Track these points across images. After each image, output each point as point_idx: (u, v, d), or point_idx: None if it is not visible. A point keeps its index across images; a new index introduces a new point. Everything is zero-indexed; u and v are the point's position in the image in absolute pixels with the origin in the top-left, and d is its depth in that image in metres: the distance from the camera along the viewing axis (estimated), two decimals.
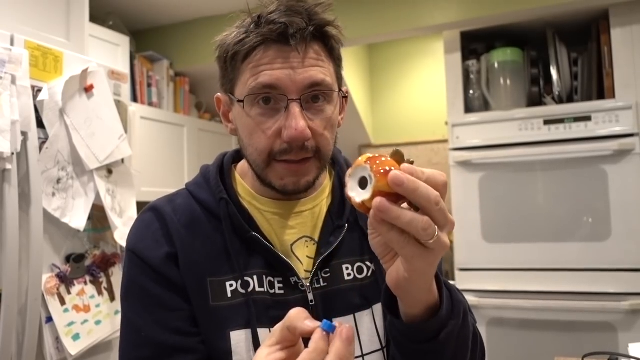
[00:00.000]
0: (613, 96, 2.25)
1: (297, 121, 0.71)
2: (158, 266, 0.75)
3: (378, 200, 0.52)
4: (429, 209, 0.52)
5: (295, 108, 0.72)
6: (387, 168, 0.52)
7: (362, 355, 0.78)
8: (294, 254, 0.80)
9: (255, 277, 0.76)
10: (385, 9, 2.61)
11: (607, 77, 2.29)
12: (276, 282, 0.77)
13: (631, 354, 1.28)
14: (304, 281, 0.78)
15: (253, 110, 0.74)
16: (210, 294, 0.75)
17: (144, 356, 0.73)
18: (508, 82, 2.47)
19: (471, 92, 2.56)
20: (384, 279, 0.66)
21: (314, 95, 0.74)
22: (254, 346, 0.73)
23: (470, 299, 2.30)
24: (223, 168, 0.85)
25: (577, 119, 2.27)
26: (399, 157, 0.55)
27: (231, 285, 0.75)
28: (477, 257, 2.40)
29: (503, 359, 2.31)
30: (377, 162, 0.53)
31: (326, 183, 0.87)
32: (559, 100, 2.38)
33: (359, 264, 0.82)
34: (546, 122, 2.32)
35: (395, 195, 0.52)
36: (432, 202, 0.52)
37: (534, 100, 2.46)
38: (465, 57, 2.57)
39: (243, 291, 0.75)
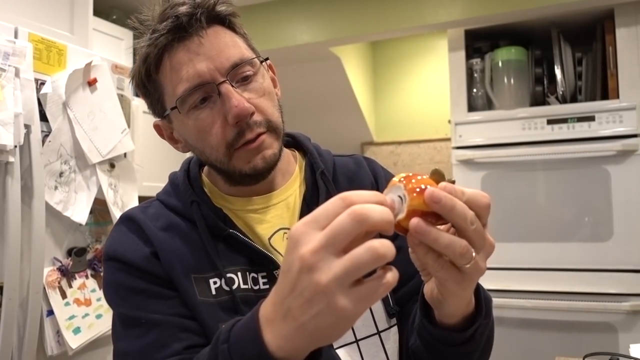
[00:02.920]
0: (617, 96, 2.25)
1: (235, 98, 0.71)
2: (142, 264, 0.74)
3: (415, 221, 0.48)
4: (465, 229, 0.50)
5: (228, 88, 0.72)
6: (423, 186, 0.49)
7: (357, 341, 0.77)
8: (272, 247, 0.79)
9: (239, 274, 0.75)
10: (389, 6, 2.60)
11: (612, 78, 2.28)
12: (260, 278, 0.76)
13: (633, 354, 1.28)
14: None
15: (191, 115, 0.74)
16: (196, 289, 0.73)
17: (150, 341, 0.70)
18: (512, 81, 2.46)
19: (474, 90, 2.55)
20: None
21: (239, 72, 0.73)
22: None
23: None
24: (190, 173, 0.83)
25: (581, 119, 2.27)
26: (438, 177, 0.52)
27: (215, 283, 0.74)
28: None
29: (503, 359, 2.31)
30: (413, 180, 0.50)
31: (296, 172, 0.85)
32: (563, 100, 2.37)
33: None
34: (549, 122, 2.31)
35: (433, 217, 0.49)
36: (468, 221, 0.49)
37: (538, 100, 2.45)
38: (469, 56, 2.56)
39: (227, 288, 0.73)
